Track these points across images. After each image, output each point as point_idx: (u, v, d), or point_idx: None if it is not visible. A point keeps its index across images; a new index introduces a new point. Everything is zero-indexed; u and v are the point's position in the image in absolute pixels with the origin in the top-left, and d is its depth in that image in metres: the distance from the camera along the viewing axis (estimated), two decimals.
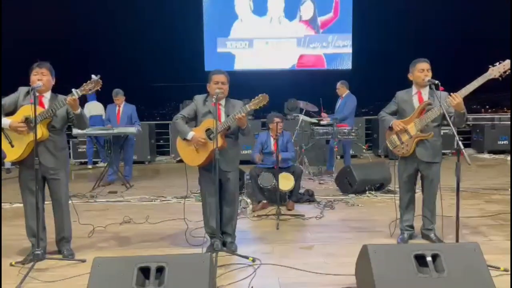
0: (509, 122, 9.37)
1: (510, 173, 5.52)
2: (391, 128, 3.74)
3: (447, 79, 3.62)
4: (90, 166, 8.76)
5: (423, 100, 3.64)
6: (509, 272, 2.95)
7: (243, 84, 6.04)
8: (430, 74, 3.61)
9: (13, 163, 2.48)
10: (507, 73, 3.34)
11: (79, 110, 3.42)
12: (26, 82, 3.42)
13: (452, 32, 10.92)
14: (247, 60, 11.46)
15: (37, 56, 3.58)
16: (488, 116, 10.26)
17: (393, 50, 10.78)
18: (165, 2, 11.12)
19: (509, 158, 8.55)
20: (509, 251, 3.34)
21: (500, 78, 3.35)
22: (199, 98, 3.65)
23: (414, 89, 3.72)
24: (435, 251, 2.50)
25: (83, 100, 8.28)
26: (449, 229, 3.54)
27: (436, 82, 3.47)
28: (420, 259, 2.48)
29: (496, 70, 3.34)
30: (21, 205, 3.63)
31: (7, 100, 3.43)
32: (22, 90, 3.45)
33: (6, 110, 3.39)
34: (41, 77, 3.38)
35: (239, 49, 11.44)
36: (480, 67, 3.52)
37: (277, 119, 5.18)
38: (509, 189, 5.56)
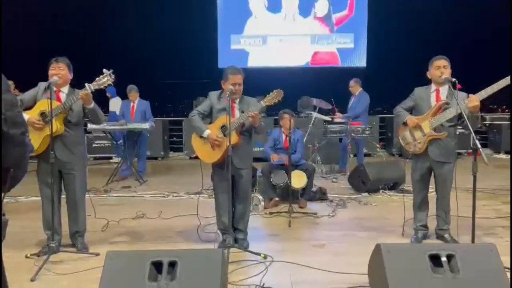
0: None
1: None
2: (405, 124, 3.69)
3: (464, 78, 3.54)
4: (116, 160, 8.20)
5: (441, 99, 3.58)
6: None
7: (256, 81, 6.02)
8: (447, 71, 3.53)
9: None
10: None
11: (92, 105, 3.46)
12: (45, 80, 3.45)
13: (469, 31, 10.70)
14: (260, 57, 11.40)
15: (54, 52, 3.62)
16: (505, 115, 10.04)
17: (408, 48, 10.63)
18: None
19: None
20: None
21: None
22: (213, 95, 3.67)
23: (432, 86, 3.66)
24: (451, 251, 2.45)
25: (105, 97, 8.32)
26: (464, 230, 3.47)
27: (453, 80, 3.39)
28: (435, 259, 2.43)
29: None
30: (37, 198, 3.70)
31: (26, 95, 3.49)
32: (42, 85, 3.49)
33: (25, 105, 3.43)
34: (58, 71, 3.42)
35: (253, 46, 11.39)
36: (498, 66, 3.44)
37: (286, 115, 5.16)
38: None
